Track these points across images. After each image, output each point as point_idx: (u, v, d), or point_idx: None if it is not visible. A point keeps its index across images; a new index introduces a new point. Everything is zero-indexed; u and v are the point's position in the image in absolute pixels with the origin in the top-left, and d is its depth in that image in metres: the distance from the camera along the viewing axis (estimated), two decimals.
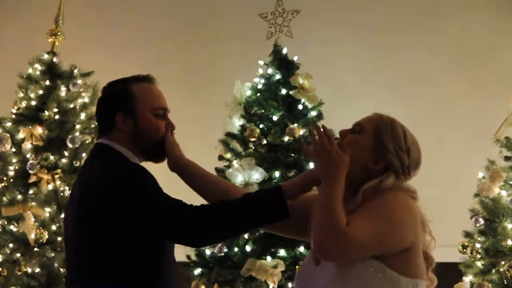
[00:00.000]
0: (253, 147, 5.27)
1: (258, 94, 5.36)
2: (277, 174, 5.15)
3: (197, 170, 2.95)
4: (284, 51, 5.50)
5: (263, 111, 5.33)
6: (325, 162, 2.49)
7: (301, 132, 5.24)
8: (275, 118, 5.29)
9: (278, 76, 5.37)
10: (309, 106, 5.33)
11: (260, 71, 5.45)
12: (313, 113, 5.34)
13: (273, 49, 5.52)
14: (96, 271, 2.70)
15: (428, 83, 7.60)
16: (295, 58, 5.47)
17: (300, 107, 5.32)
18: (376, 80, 7.59)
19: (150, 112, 2.86)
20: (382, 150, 2.66)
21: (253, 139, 5.24)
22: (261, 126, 5.30)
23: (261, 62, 5.49)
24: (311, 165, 5.16)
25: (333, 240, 2.41)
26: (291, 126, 5.21)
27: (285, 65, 5.40)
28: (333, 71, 7.46)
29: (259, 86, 5.40)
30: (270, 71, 5.40)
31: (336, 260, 2.48)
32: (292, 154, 5.22)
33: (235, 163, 5.19)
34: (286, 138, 5.22)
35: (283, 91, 5.33)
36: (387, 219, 2.52)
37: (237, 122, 5.39)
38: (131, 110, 2.84)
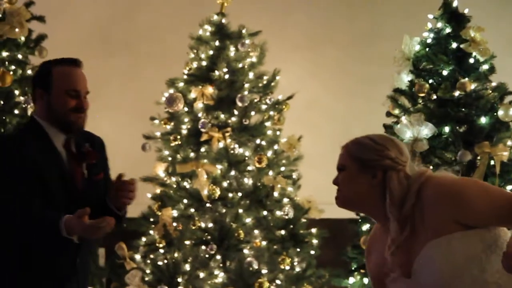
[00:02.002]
0: (422, 103, 5.16)
1: (427, 49, 5.21)
2: (446, 129, 5.06)
3: None
4: (455, 3, 5.29)
5: (432, 66, 5.18)
6: None
7: (473, 86, 5.08)
8: (445, 72, 5.14)
9: (448, 30, 5.20)
10: (481, 59, 5.15)
11: (429, 25, 5.28)
12: (485, 67, 5.17)
13: (443, 2, 5.31)
14: None
15: None
16: (465, 11, 5.26)
17: (471, 60, 5.15)
18: None
19: (63, 92, 3.39)
20: (368, 164, 2.81)
21: (422, 95, 5.13)
22: (430, 81, 5.17)
23: (430, 16, 5.32)
24: (483, 120, 5.05)
25: None
26: (462, 80, 5.06)
27: (455, 18, 5.20)
28: (505, 23, 7.20)
29: (428, 41, 5.24)
30: (439, 25, 5.23)
31: None
32: (463, 109, 5.09)
33: (403, 119, 5.10)
34: (456, 93, 5.08)
35: (454, 45, 5.17)
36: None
37: (406, 78, 5.27)
38: (47, 88, 3.41)
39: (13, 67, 5.62)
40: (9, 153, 3.35)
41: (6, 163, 3.33)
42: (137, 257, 5.90)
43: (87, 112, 3.48)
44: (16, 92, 5.59)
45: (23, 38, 5.69)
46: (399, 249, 2.75)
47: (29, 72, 5.71)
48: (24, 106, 5.54)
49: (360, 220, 5.26)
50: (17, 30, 5.58)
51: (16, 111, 5.50)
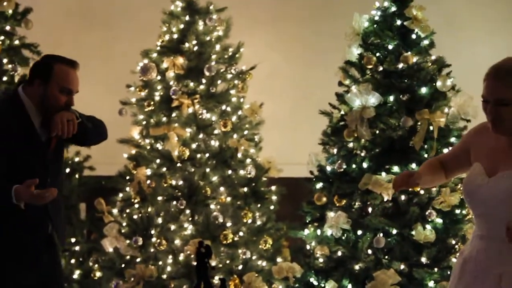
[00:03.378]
0: (370, 74, 5.20)
1: (375, 25, 5.26)
2: (391, 98, 5.11)
3: None
4: None
5: (379, 40, 5.23)
6: None
7: (414, 59, 5.16)
8: (390, 47, 5.19)
9: (393, 8, 5.24)
10: (422, 35, 5.20)
11: (377, 4, 5.34)
12: (425, 42, 5.22)
13: None
14: None
15: None
16: None
17: (413, 36, 5.20)
18: (487, 12, 7.35)
19: (57, 88, 3.59)
20: None
21: (370, 66, 5.18)
22: (377, 54, 5.21)
23: None
24: (423, 90, 5.11)
25: None
26: (405, 54, 5.13)
27: None
28: (446, 3, 7.26)
29: (376, 18, 5.29)
30: (386, 3, 5.27)
31: None
32: (406, 80, 5.15)
33: (353, 88, 5.17)
34: (400, 65, 5.15)
35: (398, 22, 5.21)
36: None
37: (356, 51, 5.31)
38: (46, 81, 3.58)
39: (2, 37, 5.70)
40: None
41: None
42: (115, 211, 5.98)
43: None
44: (5, 60, 5.66)
45: (10, 11, 5.74)
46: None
47: (16, 42, 5.80)
48: (11, 73, 5.62)
49: (314, 179, 5.32)
50: (5, 3, 5.66)
51: (5, 78, 5.60)
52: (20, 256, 3.60)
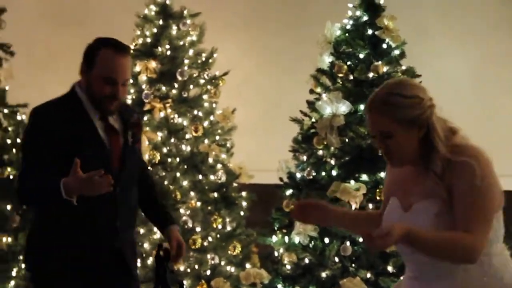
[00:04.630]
0: (341, 82, 5.19)
1: (347, 34, 5.24)
2: (361, 107, 5.07)
3: None
4: None
5: (350, 49, 5.21)
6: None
7: (385, 69, 5.14)
8: (361, 56, 5.17)
9: (365, 18, 5.23)
10: (393, 45, 5.19)
11: (349, 13, 5.32)
12: (396, 52, 5.20)
13: None
14: None
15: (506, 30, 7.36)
16: (381, 1, 5.27)
17: (384, 46, 5.19)
18: (457, 23, 7.38)
19: (100, 76, 3.20)
20: (416, 121, 2.58)
21: (341, 75, 5.16)
22: (348, 63, 5.19)
23: (350, 5, 5.35)
24: None
25: (467, 256, 2.51)
26: (376, 63, 5.11)
27: (372, 8, 5.23)
28: (417, 14, 7.27)
29: (348, 27, 5.27)
30: (358, 13, 5.26)
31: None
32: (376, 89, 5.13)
33: (324, 96, 5.13)
34: (370, 74, 5.13)
35: (369, 31, 5.20)
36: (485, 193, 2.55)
37: (327, 59, 5.28)
38: (90, 67, 3.23)
39: None
40: (35, 128, 3.24)
41: (31, 138, 3.26)
42: None
43: (123, 97, 3.35)
44: None
45: None
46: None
47: None
48: None
49: (284, 186, 5.27)
50: None
51: None
52: (83, 269, 3.26)
